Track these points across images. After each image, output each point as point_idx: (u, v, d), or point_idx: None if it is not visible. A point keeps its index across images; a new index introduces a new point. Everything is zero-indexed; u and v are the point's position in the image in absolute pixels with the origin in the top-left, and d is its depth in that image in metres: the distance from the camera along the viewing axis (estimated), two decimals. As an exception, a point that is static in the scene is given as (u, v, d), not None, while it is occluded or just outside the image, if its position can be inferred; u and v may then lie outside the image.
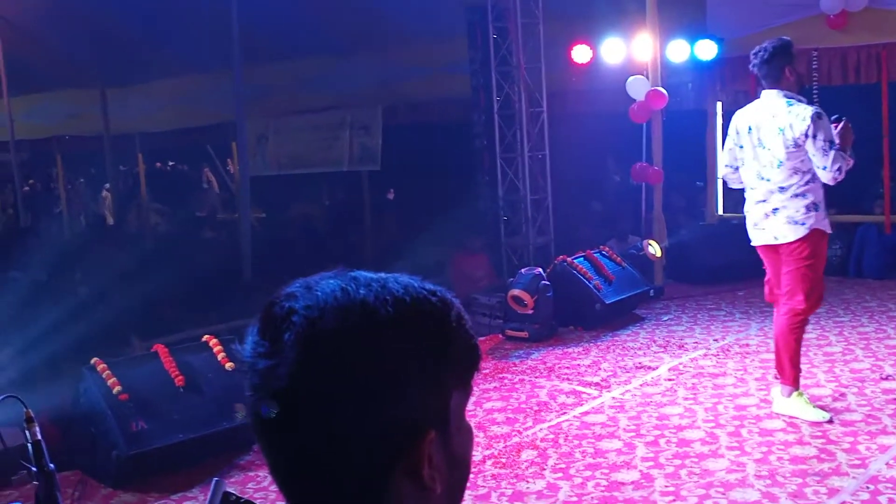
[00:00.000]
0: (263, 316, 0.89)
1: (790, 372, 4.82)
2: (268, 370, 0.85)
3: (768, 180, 4.64)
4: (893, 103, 8.30)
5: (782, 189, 4.60)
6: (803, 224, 4.60)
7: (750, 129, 4.69)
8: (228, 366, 4.96)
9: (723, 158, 5.06)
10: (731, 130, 4.89)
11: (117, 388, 4.66)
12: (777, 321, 4.88)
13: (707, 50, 8.80)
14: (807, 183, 4.58)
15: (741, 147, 4.79)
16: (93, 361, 4.83)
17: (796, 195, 4.58)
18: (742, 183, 4.89)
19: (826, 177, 4.52)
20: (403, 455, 0.85)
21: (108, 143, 13.74)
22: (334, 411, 0.83)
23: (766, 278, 5.00)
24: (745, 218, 4.92)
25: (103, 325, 6.81)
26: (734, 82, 9.27)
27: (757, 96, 9.60)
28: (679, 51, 8.81)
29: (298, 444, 0.85)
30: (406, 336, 0.85)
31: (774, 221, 4.66)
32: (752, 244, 4.91)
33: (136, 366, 5.04)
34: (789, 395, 4.84)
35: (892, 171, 8.47)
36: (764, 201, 4.69)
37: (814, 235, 4.64)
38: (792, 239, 4.65)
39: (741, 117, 4.82)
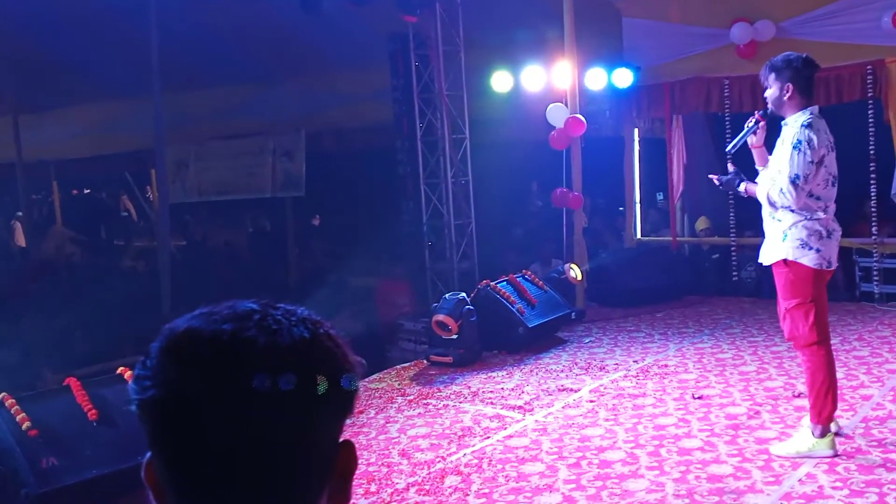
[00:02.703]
0: (222, 349, 0.87)
1: None
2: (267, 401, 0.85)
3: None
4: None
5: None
6: None
7: (833, 146, 4.39)
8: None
9: (806, 181, 4.28)
10: (816, 147, 4.27)
11: (27, 424, 4.49)
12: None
13: (624, 78, 9.03)
14: None
15: (825, 166, 4.33)
16: (1, 396, 4.65)
17: None
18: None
19: None
20: (334, 468, 0.92)
21: (21, 170, 13.32)
22: (298, 433, 0.87)
23: (817, 312, 4.41)
24: (811, 241, 4.37)
25: (14, 359, 6.58)
26: (650, 109, 9.54)
27: (671, 124, 9.82)
28: (597, 79, 9.02)
29: (253, 471, 0.86)
30: (343, 358, 0.93)
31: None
32: (832, 267, 4.46)
33: (47, 400, 4.86)
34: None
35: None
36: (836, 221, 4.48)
37: None
38: None
39: (823, 135, 4.32)
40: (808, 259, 4.36)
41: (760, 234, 4.78)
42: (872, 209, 8.28)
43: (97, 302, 7.83)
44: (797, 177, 4.28)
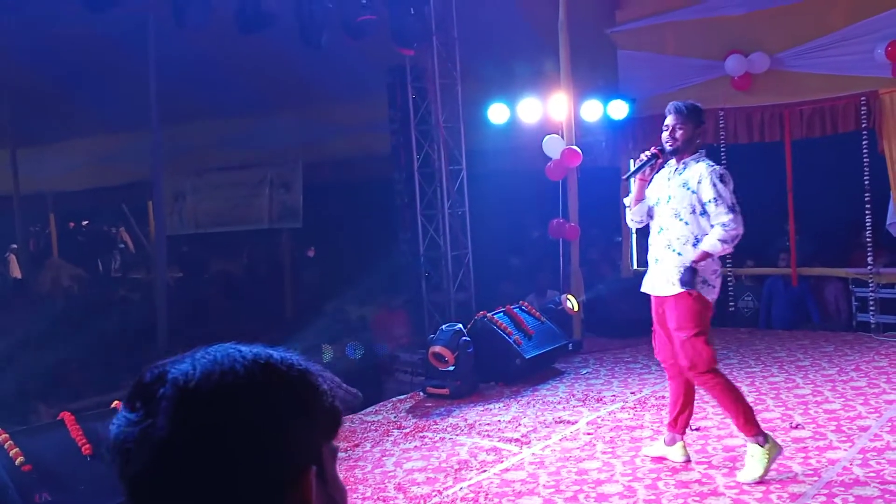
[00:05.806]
0: (131, 390, 0.93)
1: None
2: (142, 433, 0.88)
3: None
4: (796, 160, 8.68)
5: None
6: None
7: None
8: (139, 432, 4.80)
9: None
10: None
11: (20, 459, 4.47)
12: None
13: (619, 109, 9.09)
14: None
15: None
16: (-6, 431, 4.62)
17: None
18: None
19: None
20: (288, 491, 0.90)
21: (18, 203, 13.33)
22: (216, 461, 0.86)
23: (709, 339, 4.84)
24: (711, 278, 4.74)
25: (8, 393, 6.55)
26: (645, 140, 9.56)
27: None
28: (593, 110, 9.08)
29: (181, 496, 0.87)
30: (277, 389, 0.92)
31: None
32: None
33: (41, 435, 4.84)
34: None
35: (796, 225, 8.81)
36: None
37: None
38: None
39: None
40: (708, 293, 4.70)
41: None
42: (868, 239, 8.30)
43: (93, 334, 7.80)
44: (734, 204, 4.58)
